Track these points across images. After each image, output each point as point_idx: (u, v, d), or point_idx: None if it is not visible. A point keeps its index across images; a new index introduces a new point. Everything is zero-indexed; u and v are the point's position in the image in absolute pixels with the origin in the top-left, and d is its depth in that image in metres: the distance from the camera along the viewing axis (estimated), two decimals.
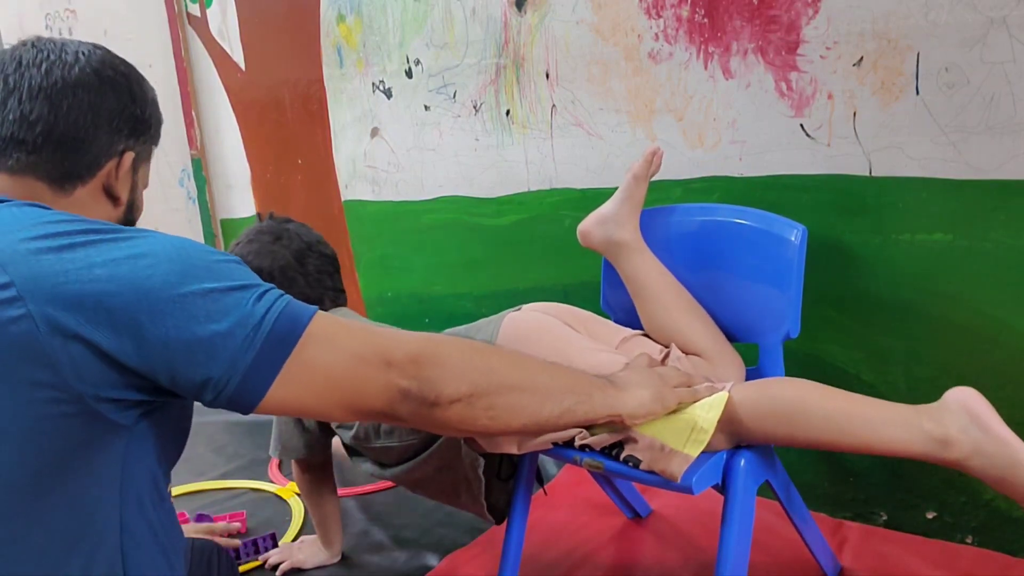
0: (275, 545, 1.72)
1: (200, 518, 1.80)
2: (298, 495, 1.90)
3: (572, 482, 1.87)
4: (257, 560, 1.67)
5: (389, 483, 1.89)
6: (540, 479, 1.52)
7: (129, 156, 0.93)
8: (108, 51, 0.94)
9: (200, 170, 2.94)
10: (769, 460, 1.25)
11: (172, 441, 0.88)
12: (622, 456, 1.14)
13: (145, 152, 0.97)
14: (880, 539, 1.57)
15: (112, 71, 0.92)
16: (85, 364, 0.74)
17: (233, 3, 2.61)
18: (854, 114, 1.47)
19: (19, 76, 0.87)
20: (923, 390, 1.10)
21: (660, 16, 1.66)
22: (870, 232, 1.50)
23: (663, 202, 1.58)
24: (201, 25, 2.76)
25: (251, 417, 2.38)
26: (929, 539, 1.54)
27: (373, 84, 2.27)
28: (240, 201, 2.87)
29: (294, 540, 1.74)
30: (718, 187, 1.66)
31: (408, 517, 1.82)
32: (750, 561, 1.19)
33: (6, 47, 0.93)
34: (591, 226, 1.50)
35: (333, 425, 1.50)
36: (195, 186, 2.97)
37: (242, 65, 2.67)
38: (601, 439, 1.15)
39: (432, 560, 1.64)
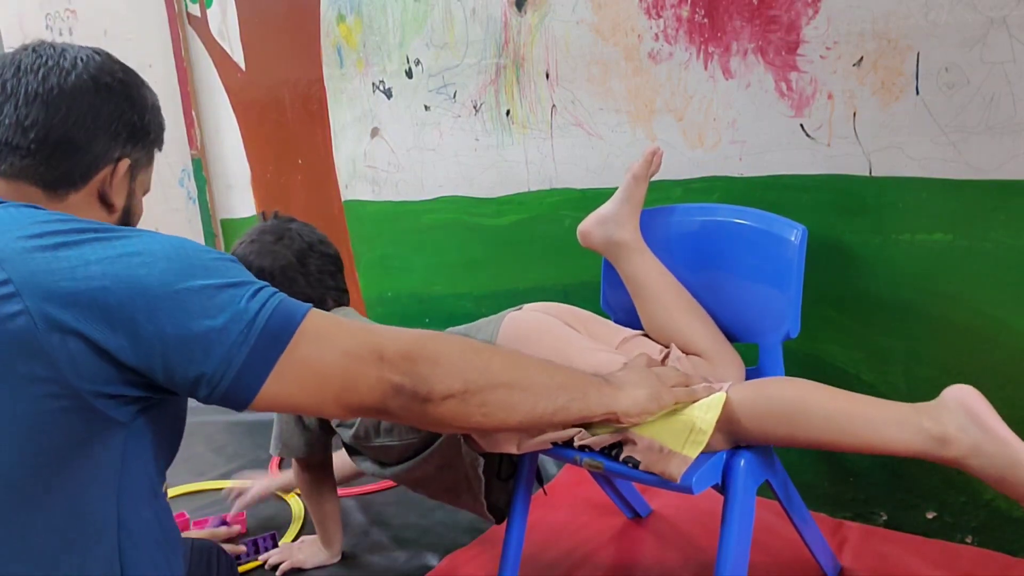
0: (275, 545, 1.72)
1: (203, 522, 1.79)
2: (298, 495, 1.90)
3: (572, 482, 1.87)
4: (257, 560, 1.67)
5: (389, 483, 1.89)
6: (540, 479, 1.52)
7: (125, 163, 0.93)
8: (108, 57, 0.94)
9: (200, 170, 2.94)
10: (769, 460, 1.25)
11: (168, 439, 0.89)
12: (621, 457, 1.14)
13: (144, 158, 0.97)
14: (880, 539, 1.57)
15: (110, 78, 0.92)
16: (82, 360, 0.74)
17: (233, 3, 2.61)
18: (854, 114, 1.47)
19: (17, 81, 0.88)
20: (923, 390, 1.10)
21: (660, 16, 1.66)
22: (870, 232, 1.50)
23: (663, 202, 1.58)
24: (201, 25, 2.76)
25: (251, 417, 2.40)
26: (929, 539, 1.54)
27: (373, 84, 2.27)
28: (240, 201, 2.88)
29: (294, 540, 1.74)
30: (718, 187, 1.66)
31: (408, 517, 1.82)
32: (750, 561, 1.19)
33: (7, 48, 0.93)
34: (591, 226, 1.50)
35: (333, 424, 1.51)
36: (195, 186, 2.97)
37: (242, 65, 2.67)
38: (600, 439, 1.15)
39: (432, 560, 1.65)
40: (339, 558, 1.67)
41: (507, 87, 1.96)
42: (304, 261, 1.53)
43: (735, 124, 1.61)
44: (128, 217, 0.96)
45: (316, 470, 1.62)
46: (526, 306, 1.46)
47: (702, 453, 1.10)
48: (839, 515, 1.66)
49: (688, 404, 1.13)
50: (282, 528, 1.82)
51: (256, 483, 1.85)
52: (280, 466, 2.11)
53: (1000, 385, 1.38)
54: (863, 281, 1.52)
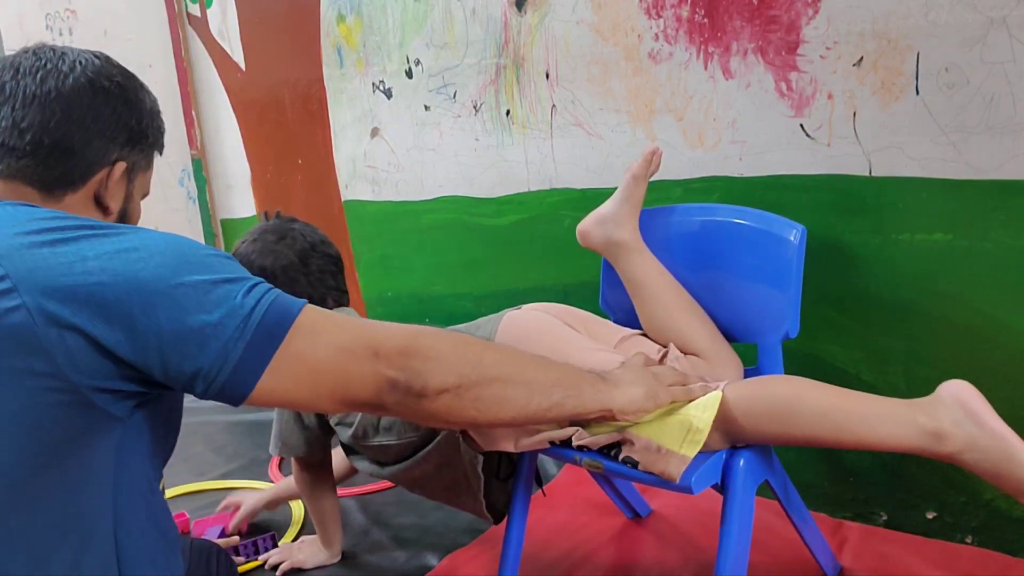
0: (275, 545, 1.72)
1: (207, 524, 1.78)
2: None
3: (572, 482, 1.87)
4: (257, 560, 1.67)
5: (389, 483, 1.89)
6: (539, 480, 1.52)
7: (121, 166, 0.93)
8: (107, 60, 0.94)
9: (200, 170, 2.95)
10: (768, 460, 1.25)
11: (164, 435, 0.89)
12: (620, 457, 1.14)
13: (143, 162, 0.97)
14: (880, 539, 1.57)
15: (108, 81, 0.92)
16: (80, 355, 0.75)
17: (233, 3, 2.62)
18: (854, 114, 1.47)
19: (15, 84, 0.88)
20: (923, 390, 1.10)
21: (660, 16, 1.66)
22: (870, 232, 1.50)
23: (663, 202, 1.58)
24: (201, 25, 2.76)
25: (251, 417, 2.40)
26: (929, 539, 1.54)
27: (373, 84, 2.27)
28: (240, 201, 2.88)
29: (294, 540, 1.74)
30: (718, 187, 1.66)
31: (408, 517, 1.82)
32: (750, 561, 1.19)
33: (6, 48, 0.93)
34: (590, 226, 1.50)
35: (332, 422, 1.51)
36: (195, 186, 2.98)
37: (242, 65, 2.67)
38: (598, 439, 1.15)
39: (432, 560, 1.65)
40: (339, 558, 1.67)
41: (507, 87, 1.96)
42: (306, 261, 1.53)
43: (735, 124, 1.61)
44: (124, 220, 0.96)
45: (315, 469, 1.62)
46: (525, 306, 1.46)
47: (701, 453, 1.10)
48: (839, 515, 1.66)
49: (685, 403, 1.13)
50: (282, 528, 1.82)
51: (246, 500, 1.81)
52: (280, 466, 2.11)
53: (999, 385, 1.38)
54: (863, 281, 1.52)
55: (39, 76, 0.89)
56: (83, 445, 0.78)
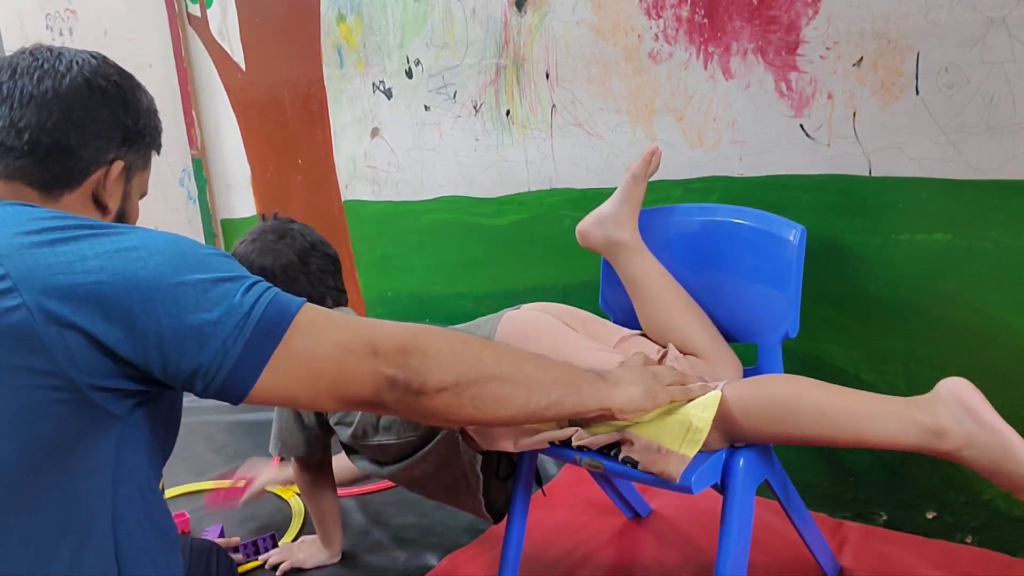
0: (275, 545, 1.72)
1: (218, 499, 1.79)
2: (298, 495, 1.90)
3: (572, 482, 1.87)
4: (257, 560, 1.68)
5: (389, 483, 1.89)
6: (539, 480, 1.52)
7: (119, 165, 0.93)
8: (104, 60, 0.95)
9: (200, 170, 2.95)
10: (768, 459, 1.25)
11: (163, 434, 0.89)
12: (620, 457, 1.14)
13: (140, 161, 0.97)
14: (880, 539, 1.57)
15: (105, 81, 0.92)
16: (80, 353, 0.75)
17: (233, 3, 2.62)
18: (854, 114, 1.47)
19: (13, 84, 0.89)
20: (923, 390, 1.10)
21: (660, 16, 1.66)
22: (870, 232, 1.50)
23: (663, 202, 1.58)
24: (201, 25, 2.76)
25: (251, 417, 2.41)
26: (929, 539, 1.54)
27: (373, 84, 2.27)
28: (240, 201, 2.88)
29: (294, 540, 1.74)
30: (718, 187, 1.66)
31: (408, 517, 1.82)
32: (750, 561, 1.19)
33: (7, 48, 0.93)
34: (590, 226, 1.50)
35: (332, 422, 1.51)
36: (195, 186, 2.98)
37: (242, 65, 2.67)
38: (598, 439, 1.15)
39: (432, 560, 1.65)
40: (339, 558, 1.67)
41: (507, 87, 1.96)
42: (306, 260, 1.54)
43: (735, 124, 1.61)
44: (123, 220, 0.97)
45: (315, 469, 1.62)
46: (524, 306, 1.46)
47: (700, 452, 1.10)
48: (839, 515, 1.66)
49: (684, 403, 1.13)
50: (282, 528, 1.82)
51: (260, 475, 1.85)
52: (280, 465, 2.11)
53: (1000, 385, 1.38)
54: (863, 281, 1.52)
55: (36, 76, 0.89)
56: (82, 444, 0.78)
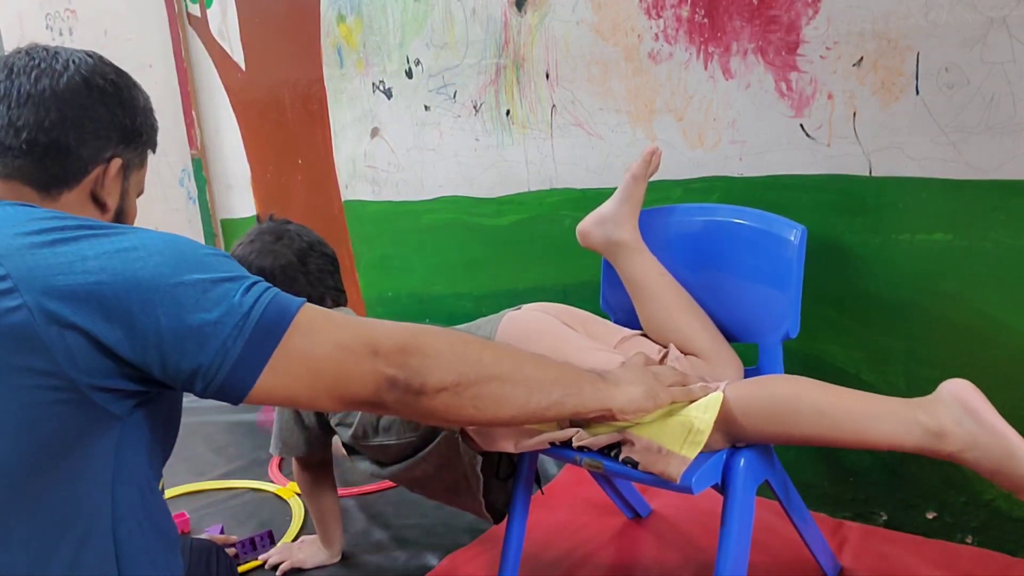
0: (272, 542, 1.72)
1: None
2: (298, 495, 1.90)
3: (572, 482, 1.87)
4: (257, 560, 1.67)
5: (389, 483, 1.89)
6: (538, 480, 1.52)
7: (116, 163, 0.93)
8: (100, 59, 0.95)
9: (200, 170, 2.95)
10: (768, 460, 1.25)
11: (163, 435, 0.89)
12: (621, 458, 1.14)
13: (137, 159, 0.97)
14: (880, 539, 1.57)
15: (102, 79, 0.93)
16: (80, 353, 0.75)
17: (233, 3, 2.61)
18: (854, 114, 1.47)
19: (10, 83, 0.89)
20: (923, 390, 1.10)
21: (660, 16, 1.66)
22: (870, 232, 1.50)
23: (663, 202, 1.58)
24: (201, 25, 2.76)
25: (251, 417, 2.41)
26: (929, 539, 1.54)
27: (373, 84, 2.27)
28: (240, 201, 2.88)
29: (294, 540, 1.74)
30: (718, 187, 1.66)
31: (408, 517, 1.82)
32: (750, 561, 1.19)
33: (7, 48, 0.94)
34: (590, 226, 1.50)
35: (332, 422, 1.51)
36: (195, 186, 2.98)
37: (242, 65, 2.67)
38: (598, 440, 1.15)
39: (432, 560, 1.65)
40: (339, 558, 1.67)
41: (507, 87, 1.96)
42: (304, 260, 1.54)
43: (735, 124, 1.61)
44: (121, 217, 0.97)
45: (316, 469, 1.62)
46: (525, 306, 1.46)
47: (701, 452, 1.10)
48: (839, 515, 1.66)
49: (685, 404, 1.13)
50: (282, 528, 1.82)
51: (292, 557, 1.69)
52: (280, 466, 2.11)
53: (1000, 385, 1.38)
54: (863, 281, 1.52)
55: (33, 75, 0.89)
56: (82, 444, 0.78)
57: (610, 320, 1.54)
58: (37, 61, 0.90)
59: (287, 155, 2.63)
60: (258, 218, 1.62)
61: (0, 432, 0.75)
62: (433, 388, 0.87)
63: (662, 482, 1.11)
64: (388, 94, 2.24)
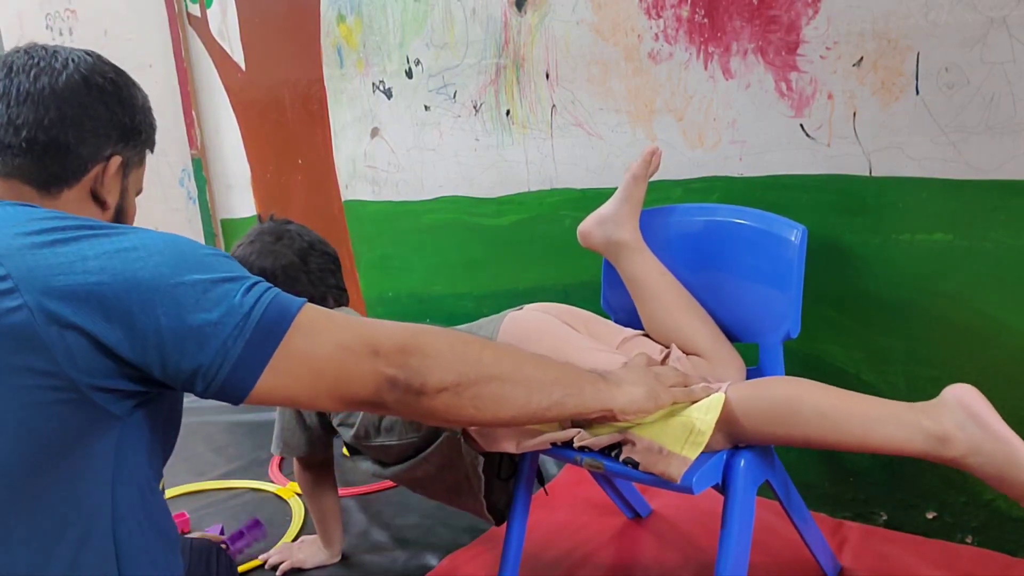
0: (259, 525, 1.72)
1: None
2: (298, 495, 1.90)
3: (572, 482, 1.87)
4: (257, 560, 1.67)
5: (390, 483, 1.89)
6: (541, 479, 1.52)
7: (116, 160, 0.93)
8: (99, 58, 0.95)
9: (200, 170, 2.94)
10: (769, 460, 1.25)
11: (164, 435, 0.89)
12: (621, 458, 1.14)
13: (136, 158, 0.97)
14: (880, 539, 1.57)
15: (101, 78, 0.93)
16: (81, 353, 0.75)
17: (233, 3, 2.61)
18: (854, 114, 1.47)
19: (9, 82, 0.89)
20: (923, 390, 1.10)
21: (660, 16, 1.66)
22: (870, 232, 1.50)
23: (663, 202, 1.58)
24: (201, 25, 2.76)
25: (251, 417, 2.40)
26: (929, 539, 1.54)
27: (373, 84, 2.27)
28: (240, 201, 2.88)
29: (294, 540, 1.74)
30: (718, 187, 1.66)
31: (408, 517, 1.82)
32: (750, 561, 1.19)
33: (7, 49, 0.94)
34: (591, 226, 1.50)
35: (334, 423, 1.51)
36: (195, 186, 2.98)
37: (242, 65, 2.67)
38: (599, 440, 1.15)
39: (432, 560, 1.65)
40: (339, 558, 1.67)
41: (507, 87, 1.96)
42: (306, 260, 1.54)
43: (735, 124, 1.61)
44: (121, 216, 0.97)
45: (317, 469, 1.62)
46: (527, 306, 1.46)
47: (702, 453, 1.10)
48: (839, 515, 1.66)
49: (686, 404, 1.13)
50: (282, 528, 1.82)
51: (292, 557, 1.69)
52: (280, 465, 2.11)
53: (1000, 385, 1.38)
54: (863, 281, 1.52)
55: (32, 74, 0.89)
56: (82, 444, 0.78)
57: (611, 320, 1.54)
58: (36, 60, 0.90)
59: (287, 155, 2.63)
60: (259, 218, 1.62)
61: (0, 432, 0.75)
62: (433, 388, 0.87)
63: (663, 482, 1.11)
64: (388, 94, 2.24)
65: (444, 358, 0.89)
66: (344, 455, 1.78)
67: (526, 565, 1.47)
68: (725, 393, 1.13)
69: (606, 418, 1.10)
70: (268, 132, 2.67)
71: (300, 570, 1.64)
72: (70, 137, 0.89)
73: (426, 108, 2.15)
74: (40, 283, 0.75)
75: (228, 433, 2.37)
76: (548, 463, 1.96)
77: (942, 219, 1.42)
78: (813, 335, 1.51)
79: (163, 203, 2.99)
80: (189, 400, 0.92)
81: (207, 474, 2.12)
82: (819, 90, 1.49)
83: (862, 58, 1.44)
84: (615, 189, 1.49)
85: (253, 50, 2.62)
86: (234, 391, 0.80)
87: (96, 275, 0.76)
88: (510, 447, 1.28)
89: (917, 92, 1.39)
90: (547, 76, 1.88)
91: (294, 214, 1.68)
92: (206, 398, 0.82)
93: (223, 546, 1.66)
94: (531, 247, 2.03)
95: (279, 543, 1.74)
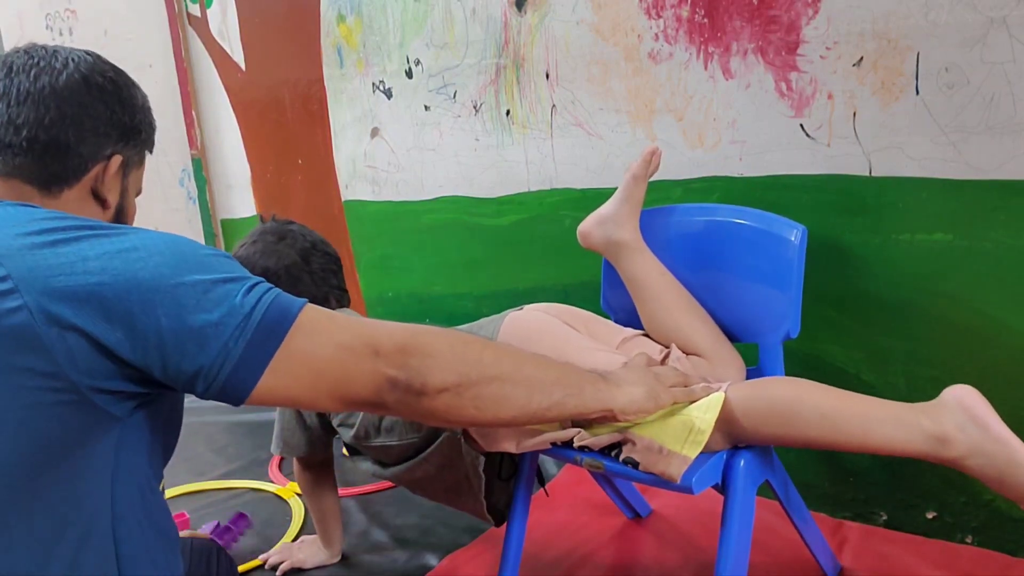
0: (244, 520, 1.71)
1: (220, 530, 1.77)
2: (298, 495, 1.90)
3: (572, 482, 1.87)
4: (257, 560, 1.67)
5: (389, 483, 1.89)
6: (541, 479, 1.52)
7: (117, 160, 0.94)
8: (99, 58, 0.95)
9: (200, 170, 2.94)
10: (768, 460, 1.25)
11: (164, 436, 0.89)
12: (621, 458, 1.14)
13: (136, 158, 0.98)
14: (880, 539, 1.57)
15: (101, 77, 0.93)
16: (81, 354, 0.75)
17: (233, 3, 2.61)
18: (854, 114, 1.47)
19: (9, 82, 0.89)
20: (923, 390, 1.10)
21: (660, 16, 1.66)
22: (870, 232, 1.50)
23: (663, 202, 1.58)
24: (201, 25, 2.76)
25: (251, 417, 2.40)
26: (929, 539, 1.54)
27: (373, 84, 2.27)
28: (240, 201, 2.88)
29: (294, 540, 1.74)
30: (718, 187, 1.66)
31: (408, 517, 1.82)
32: (750, 561, 1.19)
33: (7, 48, 0.94)
34: (591, 226, 1.50)
35: (334, 423, 1.51)
36: (195, 186, 2.98)
37: (242, 65, 2.67)
38: (599, 440, 1.15)
39: (432, 560, 1.65)
40: (339, 558, 1.67)
41: (507, 87, 1.96)
42: (308, 259, 1.54)
43: (735, 124, 1.61)
44: (121, 216, 0.97)
45: (317, 469, 1.62)
46: (527, 306, 1.46)
47: (702, 453, 1.10)
48: (839, 515, 1.66)
49: (686, 404, 1.13)
50: (282, 528, 1.82)
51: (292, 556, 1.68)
52: (280, 465, 2.11)
53: (1000, 385, 1.38)
54: (863, 281, 1.52)
55: (33, 73, 0.89)
56: (83, 445, 0.78)
57: (611, 320, 1.54)
58: (36, 60, 0.90)
59: (287, 155, 2.63)
60: (261, 218, 1.62)
61: (0, 432, 0.75)
62: (434, 389, 0.87)
63: (663, 482, 1.11)
64: (388, 94, 2.24)
65: (445, 358, 0.89)
66: (344, 455, 1.78)
67: (526, 565, 1.47)
68: (725, 393, 1.13)
69: (606, 418, 1.10)
70: (268, 132, 2.67)
71: (300, 570, 1.64)
72: (70, 136, 0.89)
73: (426, 108, 2.15)
74: (40, 284, 0.75)
75: (228, 433, 2.37)
76: (548, 463, 1.96)
77: (942, 219, 1.42)
78: (813, 335, 1.51)
79: (163, 203, 2.99)
80: (189, 400, 0.92)
81: (207, 474, 2.12)
82: (819, 90, 1.49)
83: (862, 58, 1.44)
84: (615, 189, 1.49)
85: (253, 50, 2.62)
86: (235, 392, 0.80)
87: (97, 276, 0.76)
88: (510, 447, 1.28)
89: (917, 92, 1.39)
90: (547, 76, 1.88)
91: (294, 214, 1.68)
92: (207, 399, 0.81)
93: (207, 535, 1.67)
94: (531, 247, 2.03)
95: (279, 543, 1.74)
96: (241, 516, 1.76)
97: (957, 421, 1.04)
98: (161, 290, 0.77)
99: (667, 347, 1.38)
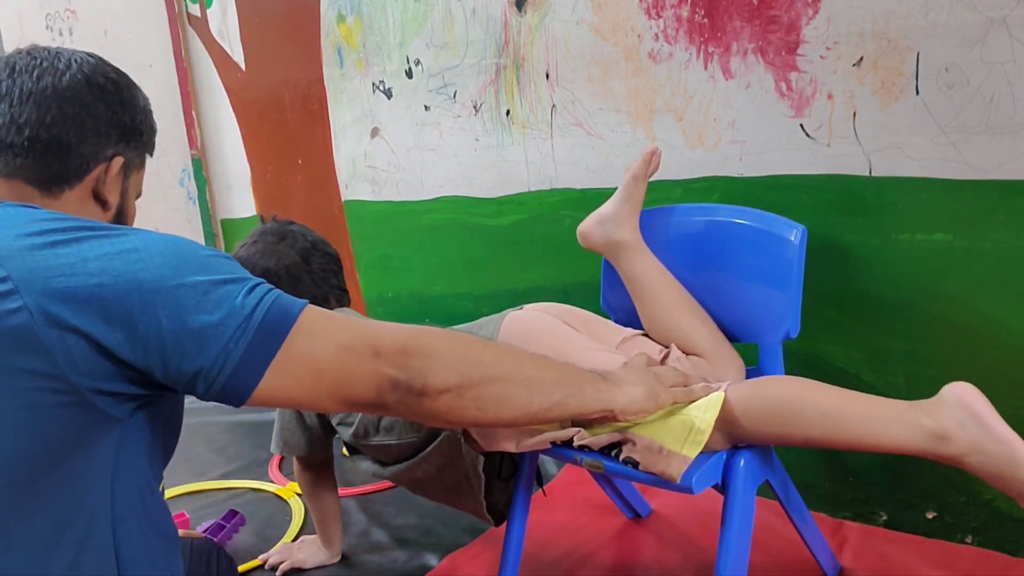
0: (236, 516, 1.71)
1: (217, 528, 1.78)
2: (298, 495, 1.90)
3: (572, 482, 1.87)
4: (257, 560, 1.67)
5: (389, 483, 1.89)
6: (539, 480, 1.52)
7: (118, 161, 0.94)
8: (101, 59, 0.95)
9: (200, 170, 2.95)
10: (768, 460, 1.25)
11: (164, 437, 0.89)
12: (621, 457, 1.14)
13: (136, 159, 0.98)
14: (880, 539, 1.57)
15: (103, 78, 0.93)
16: (81, 356, 0.75)
17: (233, 3, 2.61)
18: (854, 114, 1.47)
19: (12, 82, 0.89)
20: (923, 390, 1.10)
21: (660, 16, 1.66)
22: (870, 232, 1.50)
23: (663, 202, 1.58)
24: (201, 25, 2.76)
25: (251, 417, 2.40)
26: (929, 539, 1.54)
27: (373, 84, 2.27)
28: (240, 201, 2.88)
29: (294, 540, 1.74)
30: (718, 187, 1.66)
31: (408, 517, 1.82)
32: (750, 561, 1.19)
33: (7, 48, 0.94)
34: (591, 226, 1.50)
35: (334, 422, 1.51)
36: (195, 186, 2.98)
37: (242, 65, 2.67)
38: (599, 439, 1.15)
39: (432, 560, 1.65)
40: (339, 558, 1.67)
41: (507, 87, 1.96)
42: (308, 260, 1.54)
43: (735, 124, 1.61)
44: (122, 217, 0.97)
45: (317, 469, 1.62)
46: (527, 306, 1.46)
47: (702, 453, 1.10)
48: (839, 515, 1.66)
49: (686, 404, 1.13)
50: (282, 528, 1.82)
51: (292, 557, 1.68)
52: (280, 465, 2.11)
53: (1000, 385, 1.38)
54: (863, 281, 1.52)
55: (35, 74, 0.89)
56: (83, 446, 0.78)
57: (611, 320, 1.54)
58: (39, 60, 0.91)
59: (287, 155, 2.63)
60: (261, 218, 1.62)
61: (0, 433, 0.75)
62: (435, 389, 0.87)
63: (662, 482, 1.11)
64: (388, 94, 2.24)
65: (446, 359, 0.88)
66: (344, 455, 1.78)
67: (526, 565, 1.47)
68: (725, 392, 1.13)
69: (606, 418, 1.10)
70: (268, 132, 2.67)
71: (300, 570, 1.64)
72: (71, 136, 0.90)
73: (426, 108, 2.15)
74: (40, 285, 0.75)
75: (228, 433, 2.37)
76: (548, 463, 1.96)
77: (942, 219, 1.42)
78: (813, 335, 1.51)
79: (163, 203, 2.99)
80: (189, 400, 0.92)
81: (207, 474, 2.12)
82: (819, 90, 1.49)
83: (862, 58, 1.44)
84: (615, 189, 1.49)
85: (253, 50, 2.62)
86: (236, 393, 0.80)
87: (97, 277, 0.76)
88: (510, 446, 1.28)
89: (917, 92, 1.39)
90: (547, 76, 1.88)
91: (294, 214, 1.68)
92: (207, 400, 0.81)
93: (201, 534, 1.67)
94: (531, 247, 2.03)
95: (279, 543, 1.74)
96: (233, 513, 1.76)
97: (957, 418, 1.04)
98: (162, 291, 0.77)
99: (667, 347, 1.38)
